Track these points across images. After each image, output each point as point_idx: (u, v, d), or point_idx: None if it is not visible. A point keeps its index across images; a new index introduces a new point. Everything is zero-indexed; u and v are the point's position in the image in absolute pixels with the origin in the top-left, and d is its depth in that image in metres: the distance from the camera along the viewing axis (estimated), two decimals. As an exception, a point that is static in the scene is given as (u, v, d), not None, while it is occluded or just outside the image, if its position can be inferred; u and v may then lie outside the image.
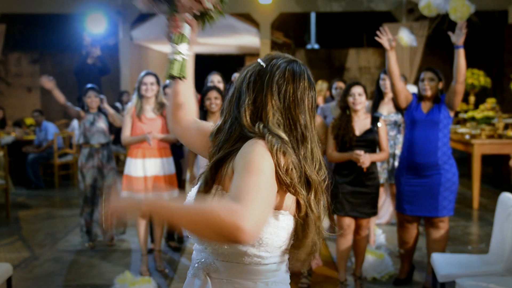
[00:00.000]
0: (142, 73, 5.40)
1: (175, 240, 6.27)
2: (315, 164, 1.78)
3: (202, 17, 2.00)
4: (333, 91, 6.46)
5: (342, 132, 4.73)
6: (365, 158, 4.59)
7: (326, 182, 1.83)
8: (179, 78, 1.97)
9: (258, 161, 1.61)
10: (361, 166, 4.64)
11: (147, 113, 5.35)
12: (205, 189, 1.75)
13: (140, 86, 5.33)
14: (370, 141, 4.75)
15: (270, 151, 1.64)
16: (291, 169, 1.67)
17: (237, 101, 1.79)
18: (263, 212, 1.52)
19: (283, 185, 1.67)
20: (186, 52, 1.96)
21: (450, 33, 4.67)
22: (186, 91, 2.06)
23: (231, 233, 1.43)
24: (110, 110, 6.19)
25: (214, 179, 1.75)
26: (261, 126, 1.71)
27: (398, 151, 5.93)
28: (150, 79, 5.31)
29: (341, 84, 6.35)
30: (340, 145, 4.78)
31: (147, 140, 5.19)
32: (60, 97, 6.26)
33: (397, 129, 6.04)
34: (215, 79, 6.01)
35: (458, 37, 4.59)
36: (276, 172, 1.64)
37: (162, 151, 5.37)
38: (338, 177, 4.79)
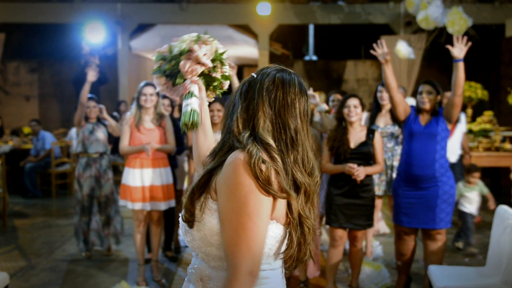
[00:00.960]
0: (142, 84, 5.41)
1: (172, 250, 6.26)
2: (307, 168, 1.81)
3: (206, 77, 2.25)
4: (330, 103, 6.46)
5: (337, 144, 4.75)
6: (359, 172, 4.60)
7: (319, 185, 1.87)
8: (192, 124, 2.17)
9: (241, 194, 1.66)
10: (355, 179, 4.65)
11: (145, 124, 5.35)
12: (193, 196, 1.80)
13: (139, 97, 5.33)
14: (364, 154, 4.76)
15: (249, 164, 1.67)
16: (274, 176, 1.70)
17: (231, 112, 1.85)
18: (257, 251, 1.66)
19: (270, 194, 1.69)
20: (195, 103, 2.18)
21: (449, 47, 4.68)
22: (205, 142, 2.27)
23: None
24: (110, 120, 6.19)
25: (204, 188, 1.80)
26: (246, 135, 1.76)
27: (396, 163, 5.94)
28: (150, 90, 5.31)
29: (338, 96, 6.36)
30: (335, 157, 4.80)
31: (145, 151, 5.19)
32: (86, 93, 6.22)
33: (395, 140, 6.05)
34: None
35: (460, 51, 4.61)
36: (259, 184, 1.67)
37: (160, 161, 5.37)
38: (333, 189, 4.80)
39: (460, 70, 4.59)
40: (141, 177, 5.29)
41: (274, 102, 1.78)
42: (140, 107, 5.34)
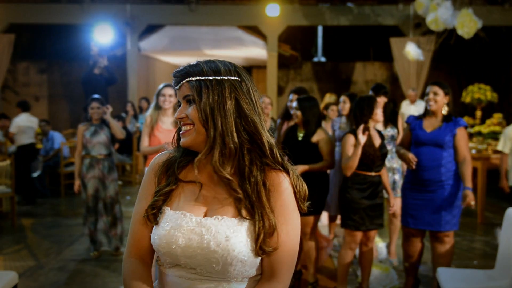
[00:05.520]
0: (161, 85, 5.40)
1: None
2: None
3: None
4: (339, 107, 6.34)
5: (369, 150, 4.63)
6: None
7: None
8: None
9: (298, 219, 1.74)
10: (378, 180, 4.69)
11: (163, 124, 5.35)
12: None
13: (158, 97, 5.33)
14: (385, 156, 4.75)
15: (294, 187, 1.73)
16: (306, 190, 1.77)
17: (245, 123, 1.70)
18: None
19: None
20: None
21: None
22: None
23: None
24: (112, 122, 6.19)
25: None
26: (278, 155, 1.74)
27: (395, 165, 5.91)
28: (169, 91, 5.30)
29: (345, 98, 6.27)
30: (369, 163, 4.66)
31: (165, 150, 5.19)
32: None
33: (394, 143, 6.02)
34: None
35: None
36: (298, 204, 1.74)
37: None
38: (357, 192, 4.69)
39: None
40: None
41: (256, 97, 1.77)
42: (158, 107, 5.35)
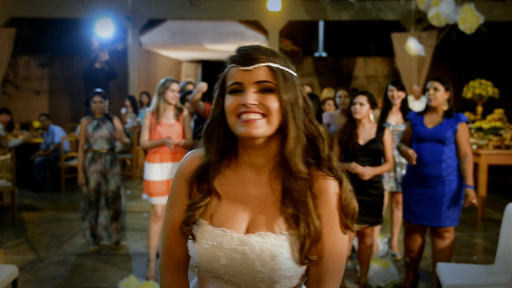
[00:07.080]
0: (166, 80, 5.37)
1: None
2: None
3: None
4: (337, 100, 6.45)
5: (346, 138, 4.74)
6: (365, 172, 4.60)
7: None
8: None
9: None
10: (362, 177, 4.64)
11: (165, 119, 5.35)
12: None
13: (166, 92, 5.31)
14: (373, 151, 4.73)
15: (341, 200, 1.64)
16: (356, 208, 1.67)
17: (309, 123, 1.60)
18: None
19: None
20: None
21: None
22: None
23: None
24: (118, 126, 6.19)
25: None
26: (334, 163, 1.64)
27: (404, 160, 5.91)
28: (177, 87, 5.33)
29: (345, 92, 6.35)
30: (344, 152, 4.78)
31: (167, 145, 5.19)
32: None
33: None
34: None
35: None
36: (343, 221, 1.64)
37: (179, 156, 5.37)
38: None
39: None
40: (161, 171, 5.31)
41: None
42: (164, 102, 5.35)
